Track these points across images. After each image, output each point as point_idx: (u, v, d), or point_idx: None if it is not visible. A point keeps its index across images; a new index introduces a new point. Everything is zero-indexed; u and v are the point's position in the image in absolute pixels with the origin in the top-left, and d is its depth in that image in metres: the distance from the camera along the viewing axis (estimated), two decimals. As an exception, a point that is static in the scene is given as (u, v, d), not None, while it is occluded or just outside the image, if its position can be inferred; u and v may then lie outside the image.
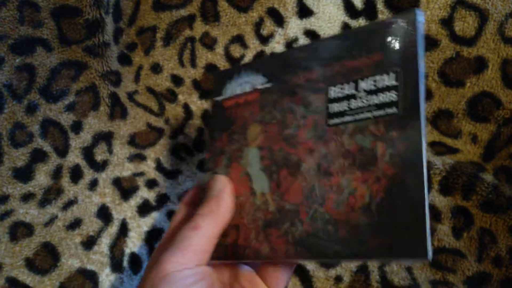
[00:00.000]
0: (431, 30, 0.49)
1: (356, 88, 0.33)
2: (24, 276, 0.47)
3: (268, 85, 0.38)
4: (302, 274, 0.49)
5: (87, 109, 0.51)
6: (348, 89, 0.34)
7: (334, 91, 0.34)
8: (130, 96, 0.54)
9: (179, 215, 0.40)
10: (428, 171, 0.48)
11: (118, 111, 0.53)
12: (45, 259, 0.48)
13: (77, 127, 0.51)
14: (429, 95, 0.50)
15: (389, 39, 0.33)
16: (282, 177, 0.35)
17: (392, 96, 0.32)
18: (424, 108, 0.30)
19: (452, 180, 0.47)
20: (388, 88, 0.32)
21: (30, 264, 0.48)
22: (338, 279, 0.48)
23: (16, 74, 0.49)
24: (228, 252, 0.36)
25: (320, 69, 0.36)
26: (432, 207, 0.48)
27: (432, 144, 0.50)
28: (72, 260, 0.49)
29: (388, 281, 0.48)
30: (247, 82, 0.40)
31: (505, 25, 0.47)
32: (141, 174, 0.53)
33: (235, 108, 0.40)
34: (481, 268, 0.46)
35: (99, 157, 0.52)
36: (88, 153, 0.51)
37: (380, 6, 0.49)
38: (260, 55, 0.53)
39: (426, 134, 0.35)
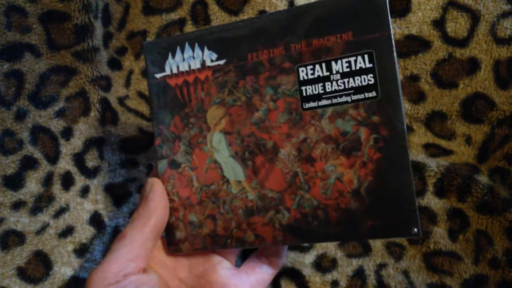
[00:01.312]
0: (423, 31, 0.49)
1: (329, 70, 0.33)
2: (16, 285, 0.47)
3: (220, 62, 0.36)
4: (298, 279, 0.49)
5: (77, 115, 0.51)
6: (320, 71, 0.33)
7: (304, 72, 0.34)
8: (121, 101, 0.53)
9: None
10: (423, 173, 0.48)
11: (109, 116, 0.52)
12: (37, 267, 0.47)
13: (67, 133, 0.50)
14: (422, 97, 0.50)
15: (357, 16, 0.32)
16: (258, 164, 0.35)
17: (369, 79, 0.32)
18: (401, 89, 0.31)
19: (447, 182, 0.47)
20: (364, 71, 0.32)
21: (22, 273, 0.47)
22: (335, 284, 0.48)
23: (4, 81, 0.48)
24: (206, 242, 0.36)
25: (284, 46, 0.34)
26: (428, 210, 0.48)
27: (426, 146, 0.49)
28: (64, 269, 0.48)
29: (384, 285, 0.47)
30: (193, 57, 0.37)
31: (497, 26, 0.47)
32: (134, 180, 0.52)
33: (184, 87, 0.37)
34: (477, 270, 0.46)
35: (90, 164, 0.51)
36: (79, 159, 0.51)
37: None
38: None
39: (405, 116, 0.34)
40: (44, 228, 0.48)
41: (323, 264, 0.49)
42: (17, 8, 0.48)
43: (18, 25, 0.48)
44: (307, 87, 0.34)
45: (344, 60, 0.33)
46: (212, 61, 0.36)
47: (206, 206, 0.36)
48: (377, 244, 0.49)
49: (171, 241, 0.36)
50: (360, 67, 0.32)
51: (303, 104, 0.34)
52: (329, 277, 0.48)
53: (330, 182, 0.33)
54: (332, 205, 0.33)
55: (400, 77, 0.31)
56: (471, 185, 0.46)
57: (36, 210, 0.48)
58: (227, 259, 0.38)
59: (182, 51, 0.37)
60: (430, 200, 0.48)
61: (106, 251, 0.37)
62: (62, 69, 0.50)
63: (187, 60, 0.37)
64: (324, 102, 0.33)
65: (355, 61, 0.32)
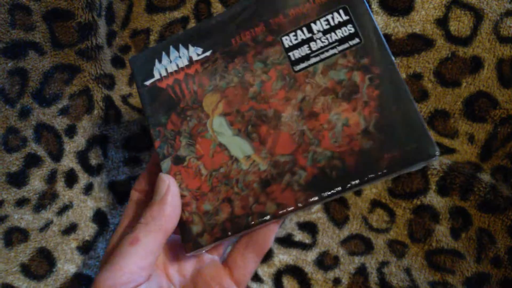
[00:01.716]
0: (427, 30, 0.49)
1: (311, 31, 0.35)
2: (20, 282, 0.47)
3: (207, 54, 0.37)
4: (300, 277, 0.49)
5: (81, 112, 0.51)
6: (302, 34, 0.35)
7: (288, 40, 0.36)
8: (124, 99, 0.53)
9: (125, 218, 0.38)
10: (426, 172, 0.48)
11: (112, 114, 0.52)
12: (41, 264, 0.48)
13: (71, 131, 0.51)
14: (425, 95, 0.50)
15: None
16: (264, 134, 0.35)
17: (349, 29, 0.34)
18: (380, 30, 0.34)
19: (449, 181, 0.47)
20: (343, 23, 0.35)
21: (26, 270, 0.47)
22: (337, 281, 0.48)
23: (8, 79, 0.49)
24: (226, 228, 0.35)
25: (264, 24, 0.36)
26: (430, 208, 0.48)
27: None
28: (68, 265, 0.48)
29: (386, 282, 0.47)
30: (179, 56, 0.38)
31: (500, 24, 0.47)
32: (137, 177, 0.52)
33: (176, 85, 0.38)
34: (480, 268, 0.46)
35: (93, 161, 0.51)
36: (82, 157, 0.51)
37: (374, 6, 0.49)
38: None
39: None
40: (47, 225, 0.49)
41: (325, 262, 0.49)
42: (21, 6, 0.48)
43: (22, 23, 0.49)
44: (294, 51, 0.35)
45: (322, 20, 0.35)
46: (198, 55, 0.37)
47: (219, 190, 0.35)
48: (379, 242, 0.49)
49: (188, 238, 0.35)
50: (339, 21, 0.35)
51: (294, 67, 0.35)
52: (331, 274, 0.48)
53: (338, 130, 0.34)
54: (346, 151, 0.33)
55: (375, 20, 0.34)
56: (474, 184, 0.46)
57: (39, 207, 0.49)
58: (215, 254, 0.38)
59: (168, 54, 0.38)
60: (433, 199, 0.48)
61: (111, 249, 0.36)
62: (66, 67, 0.50)
63: (174, 61, 0.38)
64: (313, 60, 0.35)
65: (332, 17, 0.35)
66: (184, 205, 0.36)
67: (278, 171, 0.34)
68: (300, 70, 0.35)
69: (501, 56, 0.47)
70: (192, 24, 0.53)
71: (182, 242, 0.35)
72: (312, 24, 0.35)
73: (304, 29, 0.35)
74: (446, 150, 0.49)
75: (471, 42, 0.48)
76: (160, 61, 0.38)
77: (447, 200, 0.47)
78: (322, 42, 0.35)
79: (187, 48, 0.38)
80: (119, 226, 0.38)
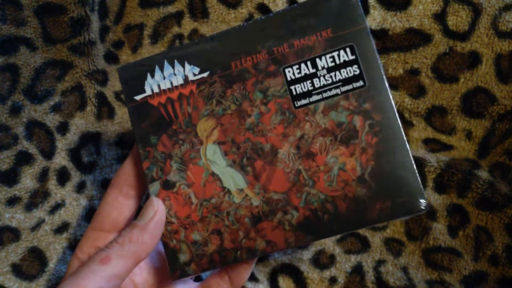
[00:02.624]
0: (424, 24, 0.48)
1: (315, 67, 0.34)
2: (11, 282, 0.46)
3: (204, 75, 0.36)
4: (296, 276, 0.48)
5: (73, 109, 0.50)
6: (306, 69, 0.34)
7: (291, 72, 0.35)
8: (118, 95, 0.53)
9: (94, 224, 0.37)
10: (423, 168, 0.47)
11: (105, 111, 0.51)
12: (32, 264, 0.47)
13: (63, 128, 0.50)
14: (422, 91, 0.49)
15: (334, 14, 0.34)
16: (259, 169, 0.34)
17: (354, 70, 0.34)
18: (385, 75, 0.34)
19: (447, 178, 0.47)
20: (348, 63, 0.34)
21: (17, 270, 0.47)
22: (333, 280, 0.48)
23: (-1, 75, 0.48)
24: (214, 260, 0.35)
25: (267, 51, 0.35)
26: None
27: (426, 141, 0.49)
28: (60, 265, 0.48)
29: (383, 281, 0.47)
30: (174, 74, 0.36)
31: (498, 19, 0.46)
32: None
33: (169, 104, 0.36)
34: (477, 267, 0.45)
35: (86, 159, 0.50)
36: (75, 154, 0.50)
37: (372, 1, 0.48)
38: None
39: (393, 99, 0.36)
40: (39, 224, 0.48)
41: (321, 261, 0.48)
42: (12, 1, 0.47)
43: (13, 18, 0.48)
44: (296, 86, 0.34)
45: (328, 56, 0.34)
46: (195, 75, 0.36)
47: (209, 221, 0.35)
48: (375, 240, 0.48)
49: (175, 265, 0.35)
50: (344, 60, 0.34)
51: (295, 102, 0.34)
52: (327, 273, 0.48)
53: (334, 173, 0.33)
54: (340, 195, 0.33)
55: (381, 63, 0.34)
56: (471, 181, 0.46)
57: (31, 206, 0.48)
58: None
59: (162, 70, 0.36)
60: (430, 196, 0.47)
61: (77, 260, 0.35)
62: (58, 63, 0.49)
63: (168, 78, 0.36)
64: (315, 97, 0.34)
65: (338, 55, 0.34)
66: (172, 233, 0.35)
67: (270, 208, 0.34)
68: (300, 106, 0.34)
69: (500, 51, 0.47)
70: (186, 19, 0.52)
71: (169, 268, 0.35)
72: (317, 59, 0.34)
73: (309, 63, 0.34)
74: (444, 147, 0.48)
75: (469, 37, 0.47)
76: (152, 76, 0.37)
77: (444, 198, 0.47)
78: (326, 80, 0.34)
79: (183, 66, 0.36)
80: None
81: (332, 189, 0.33)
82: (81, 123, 0.50)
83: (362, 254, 0.48)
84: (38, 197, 0.48)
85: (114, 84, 0.53)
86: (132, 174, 0.38)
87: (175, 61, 0.36)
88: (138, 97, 0.37)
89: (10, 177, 0.48)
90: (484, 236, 0.45)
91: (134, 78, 0.37)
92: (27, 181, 0.48)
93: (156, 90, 0.36)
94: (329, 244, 0.49)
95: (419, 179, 0.32)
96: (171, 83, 0.36)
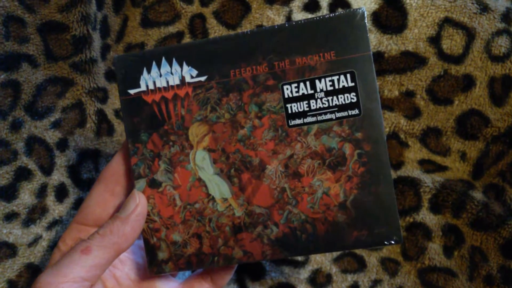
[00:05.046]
0: (419, 48, 0.49)
1: (314, 88, 0.34)
2: (6, 298, 0.46)
3: (201, 78, 0.35)
4: (292, 294, 0.48)
5: (73, 126, 0.51)
6: (305, 89, 0.34)
7: (289, 90, 0.35)
8: (117, 113, 0.53)
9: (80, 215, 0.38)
10: (418, 189, 0.48)
11: (104, 128, 0.52)
12: (28, 281, 0.47)
13: (62, 144, 0.50)
14: (417, 113, 0.50)
15: (339, 37, 0.34)
16: (245, 181, 0.35)
17: (352, 97, 0.34)
18: (380, 106, 0.34)
19: (442, 198, 0.47)
20: (347, 90, 0.34)
21: (13, 286, 0.46)
22: (329, 299, 0.48)
23: (0, 91, 0.48)
24: (192, 262, 0.35)
25: (267, 64, 0.35)
26: (423, 226, 0.48)
27: (421, 162, 0.50)
28: (56, 281, 0.47)
29: (379, 300, 0.47)
30: (171, 72, 0.36)
31: (491, 43, 0.48)
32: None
33: (162, 103, 0.36)
34: (472, 287, 0.46)
35: (85, 176, 0.51)
36: (73, 171, 0.50)
37: (368, 24, 0.50)
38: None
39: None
40: (36, 240, 0.48)
41: (318, 280, 0.48)
42: (16, 18, 0.48)
43: (16, 35, 0.48)
44: (292, 104, 0.35)
45: (327, 79, 0.34)
46: (192, 77, 0.36)
47: (190, 225, 0.35)
48: (372, 260, 0.48)
49: (153, 262, 0.36)
50: (343, 86, 0.34)
51: (289, 121, 0.35)
52: (323, 292, 0.48)
53: (317, 196, 0.34)
54: (320, 218, 0.34)
55: (378, 92, 0.34)
56: (466, 201, 0.46)
57: (29, 222, 0.48)
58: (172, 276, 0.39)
59: (159, 66, 0.36)
60: (425, 216, 0.48)
61: (60, 252, 0.36)
62: (59, 80, 0.50)
63: (165, 76, 0.36)
64: (309, 119, 0.34)
65: (338, 80, 0.34)
66: (154, 230, 0.36)
67: (251, 221, 0.35)
68: (294, 126, 0.34)
69: (493, 75, 0.48)
70: (187, 39, 0.53)
71: (147, 263, 0.36)
72: (317, 81, 0.34)
73: (308, 83, 0.34)
74: (438, 168, 0.49)
75: (463, 60, 0.48)
76: (148, 71, 0.36)
77: (440, 218, 0.47)
78: (323, 103, 0.34)
79: (180, 66, 0.36)
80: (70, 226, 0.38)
81: (314, 211, 0.34)
82: (80, 140, 0.51)
83: (359, 274, 0.48)
84: (36, 213, 0.48)
85: (114, 102, 0.54)
86: (120, 171, 0.37)
87: (174, 59, 0.36)
88: (132, 91, 0.36)
89: (8, 193, 0.48)
90: (479, 256, 0.46)
91: (130, 71, 0.36)
92: (26, 196, 0.48)
93: (151, 86, 0.36)
94: (325, 263, 0.49)
95: (397, 213, 0.33)
96: (167, 82, 0.36)
